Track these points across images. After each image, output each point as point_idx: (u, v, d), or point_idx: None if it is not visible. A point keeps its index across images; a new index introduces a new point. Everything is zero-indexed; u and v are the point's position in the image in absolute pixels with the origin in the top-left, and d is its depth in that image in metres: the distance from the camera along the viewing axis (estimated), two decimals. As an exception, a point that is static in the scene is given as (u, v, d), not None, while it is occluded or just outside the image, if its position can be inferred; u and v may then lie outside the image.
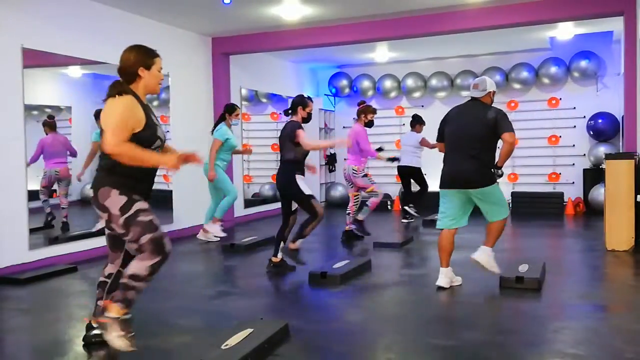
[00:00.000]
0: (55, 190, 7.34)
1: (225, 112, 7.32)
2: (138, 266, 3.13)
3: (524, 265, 4.97)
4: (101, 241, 6.64)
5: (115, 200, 3.15)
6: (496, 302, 4.45)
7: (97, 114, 7.23)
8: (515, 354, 3.28)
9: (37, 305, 4.65)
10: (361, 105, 7.11)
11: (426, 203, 8.82)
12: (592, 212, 9.03)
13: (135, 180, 3.20)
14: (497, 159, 4.59)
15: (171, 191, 7.88)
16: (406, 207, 9.16)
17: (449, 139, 4.71)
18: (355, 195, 7.13)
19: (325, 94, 11.65)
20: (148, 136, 3.20)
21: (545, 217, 8.88)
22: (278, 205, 10.61)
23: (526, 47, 9.77)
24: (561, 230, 8.11)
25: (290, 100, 10.99)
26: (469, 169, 4.50)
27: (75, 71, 8.02)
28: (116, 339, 3.10)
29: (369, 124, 7.03)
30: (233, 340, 3.21)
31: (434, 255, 6.62)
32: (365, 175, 6.96)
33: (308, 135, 5.43)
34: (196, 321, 3.91)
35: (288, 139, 5.33)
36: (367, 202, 7.00)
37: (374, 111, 7.06)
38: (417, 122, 8.76)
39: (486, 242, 4.80)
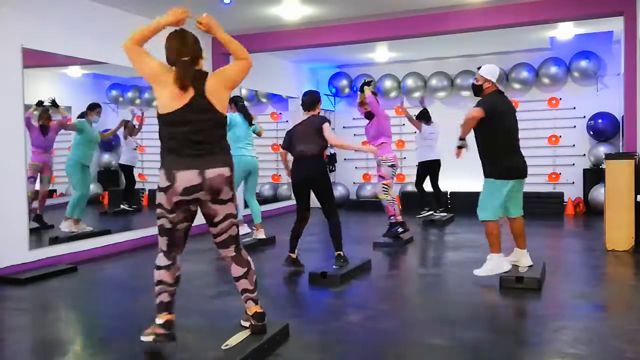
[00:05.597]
0: (55, 190, 7.34)
1: None
2: None
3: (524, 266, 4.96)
4: (101, 241, 6.73)
5: None
6: (496, 302, 4.45)
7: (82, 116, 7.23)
8: (515, 354, 3.28)
9: (37, 305, 4.65)
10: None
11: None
12: (592, 212, 9.02)
13: None
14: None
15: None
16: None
17: None
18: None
19: (325, 94, 11.63)
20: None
21: (545, 217, 8.87)
22: (278, 205, 10.82)
23: (526, 47, 9.76)
24: (561, 230, 8.11)
25: (290, 101, 11.12)
26: None
27: (75, 71, 8.03)
28: None
29: (367, 116, 6.88)
30: (233, 340, 3.22)
31: (434, 255, 6.64)
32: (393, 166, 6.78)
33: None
34: (196, 321, 3.90)
35: (315, 132, 5.18)
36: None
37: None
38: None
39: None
